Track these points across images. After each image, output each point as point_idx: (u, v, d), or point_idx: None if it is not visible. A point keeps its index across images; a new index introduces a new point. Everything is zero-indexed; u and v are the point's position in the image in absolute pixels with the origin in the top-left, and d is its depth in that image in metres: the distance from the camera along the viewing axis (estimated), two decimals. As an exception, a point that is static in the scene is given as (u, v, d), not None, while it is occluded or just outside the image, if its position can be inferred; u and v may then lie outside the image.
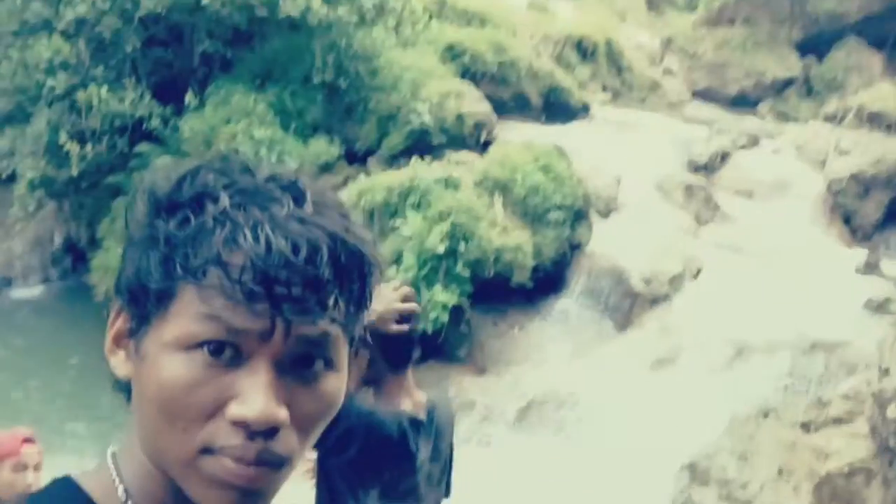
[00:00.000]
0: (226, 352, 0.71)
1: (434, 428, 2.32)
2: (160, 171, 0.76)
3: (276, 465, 0.72)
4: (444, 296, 7.65)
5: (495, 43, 11.11)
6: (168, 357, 0.71)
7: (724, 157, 10.69)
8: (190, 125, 9.41)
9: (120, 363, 0.76)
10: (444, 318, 7.66)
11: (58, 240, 10.76)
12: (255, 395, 0.70)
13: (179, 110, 9.77)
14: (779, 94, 13.53)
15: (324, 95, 9.80)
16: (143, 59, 10.20)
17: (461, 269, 7.83)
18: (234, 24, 10.13)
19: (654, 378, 7.64)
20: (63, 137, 9.62)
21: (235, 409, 0.70)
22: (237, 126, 9.21)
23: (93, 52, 9.96)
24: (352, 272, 0.74)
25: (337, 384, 0.76)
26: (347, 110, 9.90)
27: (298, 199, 0.74)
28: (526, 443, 7.26)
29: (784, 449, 6.35)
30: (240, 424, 0.70)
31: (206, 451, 0.71)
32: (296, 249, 0.70)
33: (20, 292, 10.69)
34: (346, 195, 8.61)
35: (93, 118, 9.68)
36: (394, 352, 2.25)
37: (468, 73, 10.69)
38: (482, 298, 8.11)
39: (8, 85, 10.20)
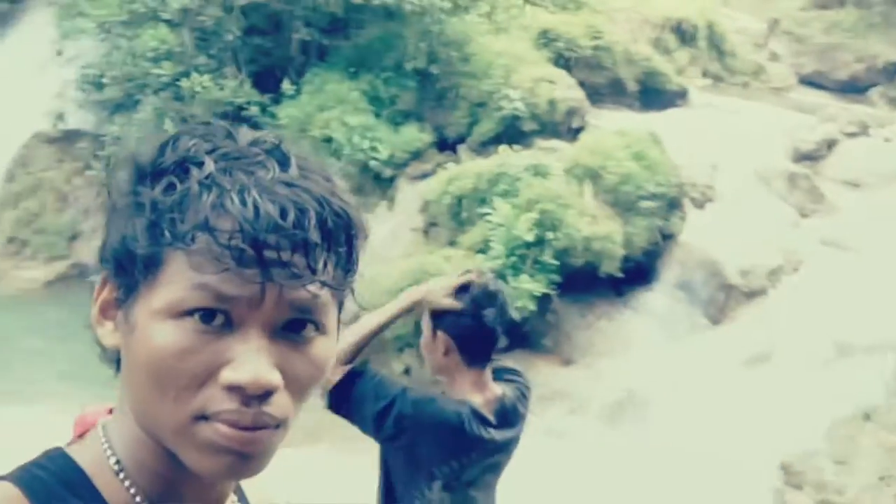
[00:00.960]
0: (216, 318, 0.71)
1: (504, 421, 2.31)
2: (140, 139, 0.76)
3: (271, 428, 0.72)
4: (530, 284, 7.59)
5: (590, 27, 10.90)
6: (158, 325, 0.71)
7: (831, 145, 10.18)
8: (286, 112, 9.63)
9: (107, 333, 0.77)
10: (531, 306, 7.61)
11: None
12: (247, 360, 0.70)
13: (276, 98, 10.01)
14: (891, 80, 12.78)
15: (416, 82, 9.85)
16: (243, 48, 10.48)
17: (549, 257, 7.75)
18: (330, 13, 10.30)
19: (749, 375, 7.39)
20: (167, 124, 10.01)
21: (229, 375, 0.70)
22: (331, 113, 9.38)
23: (196, 41, 10.32)
24: (339, 235, 0.74)
25: (327, 348, 0.77)
26: (439, 97, 9.92)
27: (283, 162, 0.74)
28: (612, 437, 7.15)
29: (885, 453, 6.05)
30: (233, 389, 0.70)
31: (200, 417, 0.71)
32: (283, 213, 0.70)
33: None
34: (435, 182, 8.65)
35: (195, 105, 10.03)
36: (470, 345, 2.25)
37: (562, 59, 10.53)
38: (570, 288, 8.01)
39: (118, 73, 10.68)
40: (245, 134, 0.76)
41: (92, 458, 0.77)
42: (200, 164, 0.72)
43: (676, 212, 8.54)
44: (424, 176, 9.13)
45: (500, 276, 7.63)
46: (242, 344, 0.71)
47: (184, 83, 9.94)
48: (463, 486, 2.22)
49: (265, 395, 0.71)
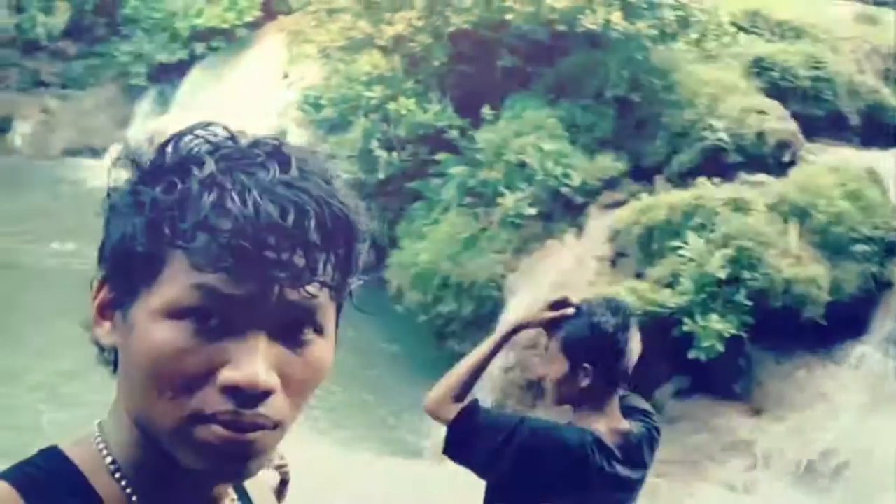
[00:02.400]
0: (214, 318, 0.70)
1: (628, 458, 2.19)
2: (138, 139, 0.77)
3: (269, 430, 0.72)
4: (720, 325, 7.18)
5: (810, 56, 10.20)
6: (156, 325, 0.70)
7: None
8: (484, 137, 9.83)
9: (105, 333, 0.76)
10: (719, 347, 7.19)
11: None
12: (246, 362, 0.69)
13: (476, 122, 10.25)
14: None
15: (615, 110, 9.70)
16: (449, 74, 10.85)
17: (742, 297, 7.30)
18: (535, 40, 10.42)
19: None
20: (374, 144, 10.56)
21: (227, 375, 0.69)
22: (527, 139, 9.44)
23: (405, 66, 10.82)
24: (338, 237, 0.73)
25: (326, 350, 0.76)
26: (638, 125, 9.70)
27: (283, 163, 0.73)
28: (799, 498, 6.57)
29: None
30: (230, 390, 0.69)
31: (198, 418, 0.70)
32: (284, 214, 0.70)
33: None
34: (627, 212, 8.44)
35: (401, 128, 10.51)
36: (592, 360, 2.16)
37: (776, 89, 9.93)
38: (765, 333, 7.48)
39: (335, 95, 11.43)
40: (245, 135, 0.76)
41: (87, 457, 0.77)
42: (201, 164, 0.72)
43: (894, 258, 7.74)
44: (616, 205, 8.93)
45: (688, 313, 7.30)
46: (240, 345, 0.70)
47: (391, 106, 10.44)
48: None
49: (262, 396, 0.70)
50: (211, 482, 0.80)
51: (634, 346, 2.21)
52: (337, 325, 0.79)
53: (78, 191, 14.50)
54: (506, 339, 2.26)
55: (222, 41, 15.59)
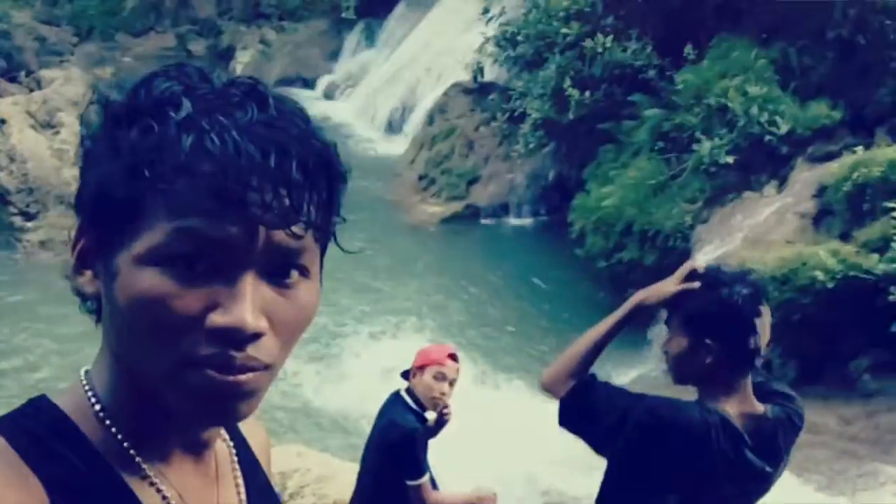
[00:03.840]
0: (200, 263, 0.69)
1: (760, 445, 1.97)
2: (109, 82, 0.75)
3: (260, 371, 0.71)
4: (935, 298, 6.43)
5: None
6: (141, 272, 0.69)
7: None
8: (684, 78, 9.28)
9: (87, 282, 0.75)
10: (931, 324, 6.46)
11: (551, 178, 11.67)
12: (234, 305, 0.69)
13: (677, 63, 9.70)
14: None
15: (836, 53, 8.80)
16: (653, 11, 10.30)
17: (964, 270, 6.48)
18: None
19: None
20: (567, 83, 10.31)
21: (215, 319, 0.69)
22: (731, 81, 8.81)
23: (605, 2, 10.38)
24: (320, 176, 0.72)
25: (313, 293, 0.75)
26: (861, 71, 8.74)
27: (261, 103, 0.71)
28: None
29: None
30: (220, 334, 0.69)
31: (188, 362, 0.70)
32: (265, 154, 0.68)
33: (515, 220, 11.90)
34: (838, 167, 7.70)
35: (596, 66, 10.16)
36: (722, 336, 1.96)
37: None
38: None
39: (531, 32, 11.22)
40: (220, 75, 0.74)
41: (76, 405, 0.76)
42: (178, 106, 0.69)
43: None
44: (827, 157, 8.17)
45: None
46: (227, 288, 0.69)
47: (588, 43, 10.10)
48: None
49: (252, 338, 0.70)
50: (202, 425, 0.80)
51: (765, 323, 1.97)
52: (321, 268, 0.78)
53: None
54: (630, 315, 2.05)
55: (428, -25, 15.73)
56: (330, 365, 7.86)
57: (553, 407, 2.09)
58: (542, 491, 5.63)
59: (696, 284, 1.99)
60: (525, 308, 9.51)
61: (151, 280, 0.69)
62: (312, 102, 16.38)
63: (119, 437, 0.76)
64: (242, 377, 0.70)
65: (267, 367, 0.72)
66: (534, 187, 11.74)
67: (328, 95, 16.71)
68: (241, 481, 0.88)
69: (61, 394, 0.78)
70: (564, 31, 10.42)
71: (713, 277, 2.00)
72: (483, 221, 11.70)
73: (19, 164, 11.13)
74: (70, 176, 10.90)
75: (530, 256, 10.87)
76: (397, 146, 13.70)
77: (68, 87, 13.06)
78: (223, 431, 0.89)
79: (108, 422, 0.76)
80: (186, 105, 0.69)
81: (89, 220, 0.74)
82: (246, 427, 0.93)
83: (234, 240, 0.68)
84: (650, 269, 8.69)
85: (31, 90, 13.65)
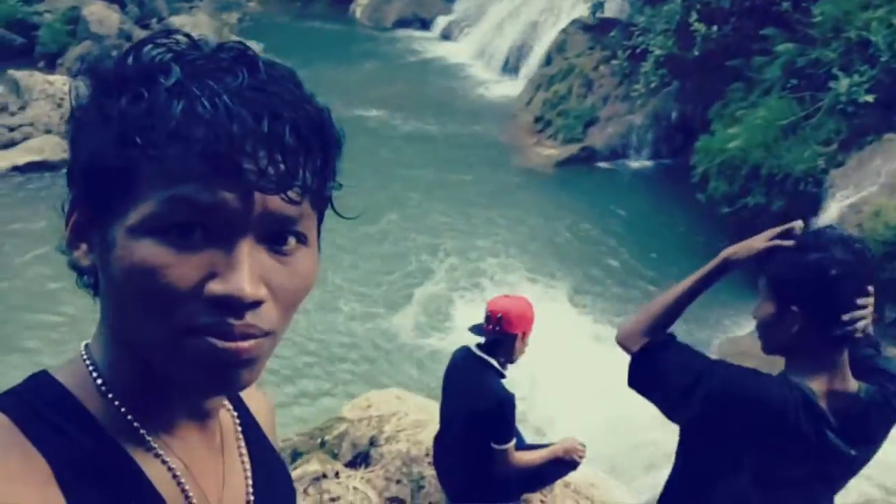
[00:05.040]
0: (196, 232, 0.68)
1: (848, 427, 1.78)
2: (95, 51, 0.72)
3: (260, 337, 0.71)
4: None
5: None
6: (136, 243, 0.68)
7: None
8: (822, 9, 8.57)
9: (82, 255, 0.75)
10: None
11: (673, 118, 11.15)
12: (232, 273, 0.68)
13: (817, -8, 8.97)
14: None
15: None
16: (789, -65, 9.52)
17: None
18: None
19: None
20: (693, 17, 9.74)
21: (213, 288, 0.68)
22: (875, 13, 8.06)
23: (737, -72, 9.68)
24: (314, 141, 0.70)
25: (311, 260, 0.74)
26: None
27: (251, 68, 0.70)
28: None
29: None
30: (219, 302, 0.68)
31: (188, 331, 0.69)
32: (258, 118, 0.67)
33: (634, 163, 11.51)
34: None
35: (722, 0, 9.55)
36: (813, 303, 1.75)
37: None
38: None
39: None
40: (209, 41, 0.73)
41: (76, 379, 0.77)
42: (167, 72, 0.68)
43: None
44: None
45: None
46: (224, 256, 0.68)
47: (717, -27, 9.48)
48: (778, 484, 1.77)
49: (251, 306, 0.69)
50: (205, 394, 0.80)
51: (863, 292, 1.75)
52: (319, 235, 0.77)
53: (407, 61, 15.39)
54: (717, 272, 1.87)
55: None
56: (438, 307, 7.91)
57: None
58: (635, 443, 5.49)
59: (788, 243, 1.80)
60: (640, 254, 9.22)
61: (147, 250, 0.68)
62: (429, 43, 16.29)
63: (122, 409, 0.76)
64: (244, 344, 0.69)
65: (267, 334, 0.71)
66: (655, 128, 11.27)
67: (445, 36, 16.56)
68: (245, 450, 0.88)
69: (62, 369, 0.78)
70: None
71: (807, 239, 1.79)
72: (600, 165, 11.38)
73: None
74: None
75: (649, 201, 10.50)
76: (513, 87, 13.45)
77: (196, 32, 13.52)
78: (226, 401, 0.88)
79: (110, 395, 0.76)
80: (176, 71, 0.68)
81: (81, 192, 0.73)
82: (248, 395, 0.92)
83: (230, 206, 0.67)
84: (777, 215, 8.20)
85: (163, 37, 14.20)
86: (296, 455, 3.64)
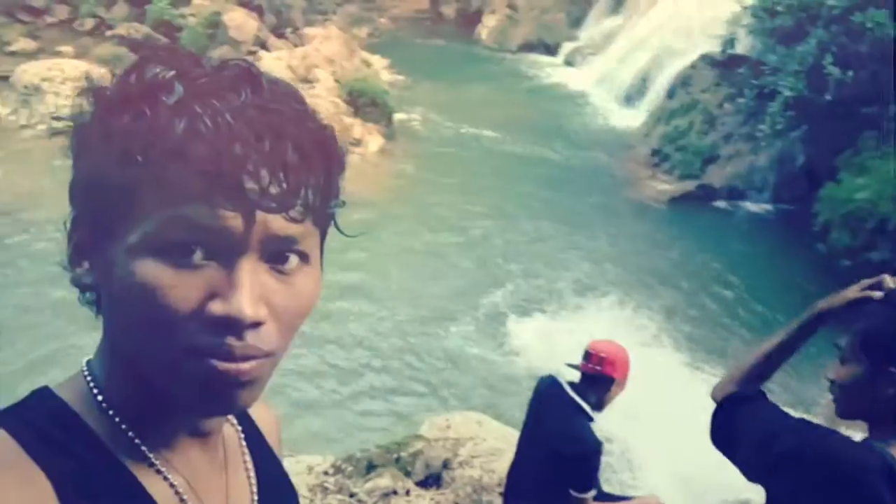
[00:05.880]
0: (197, 251, 0.67)
1: None
2: (95, 74, 0.72)
3: (261, 359, 0.70)
4: None
5: None
6: (137, 262, 0.67)
7: None
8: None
9: (84, 274, 0.74)
10: None
11: (798, 163, 10.71)
12: (232, 293, 0.67)
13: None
14: None
15: None
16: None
17: None
18: None
19: None
20: (828, 60, 9.35)
21: (215, 308, 0.67)
22: None
23: (883, -29, 9.25)
24: (317, 159, 0.69)
25: (313, 279, 0.73)
26: None
27: (254, 86, 0.69)
28: None
29: None
30: (221, 323, 0.67)
31: (189, 352, 0.68)
32: (259, 137, 0.66)
33: (753, 205, 11.11)
34: None
35: (863, 43, 9.12)
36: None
37: None
38: None
39: (793, 2, 10.29)
40: (211, 59, 0.71)
41: (78, 396, 0.76)
42: (170, 90, 0.67)
43: None
44: None
45: None
46: (225, 276, 0.67)
47: (857, 17, 9.07)
48: None
49: (251, 326, 0.68)
50: (205, 414, 0.79)
51: None
52: (322, 254, 0.75)
53: (528, 85, 15.42)
54: (810, 324, 1.77)
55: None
56: (539, 332, 7.85)
57: None
58: (722, 500, 5.26)
59: (878, 294, 1.68)
60: (748, 301, 8.88)
61: (147, 270, 0.67)
62: (551, 68, 16.27)
63: (123, 426, 0.75)
64: (244, 365, 0.69)
65: (268, 355, 0.70)
66: (778, 171, 10.87)
67: (569, 62, 16.50)
68: (250, 464, 0.87)
69: (63, 385, 0.78)
70: (831, 2, 9.43)
71: None
72: (716, 204, 11.04)
73: (275, 115, 12.10)
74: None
75: (764, 246, 10.11)
76: (633, 118, 13.26)
77: (326, 44, 13.97)
78: (231, 416, 0.88)
79: (111, 412, 0.75)
80: (178, 89, 0.67)
81: (83, 210, 0.73)
82: (254, 410, 0.91)
83: (231, 226, 0.66)
84: (902, 274, 7.75)
85: (295, 46, 14.74)
86: (370, 467, 3.68)
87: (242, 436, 0.88)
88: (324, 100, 12.22)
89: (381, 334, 7.66)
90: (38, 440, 0.71)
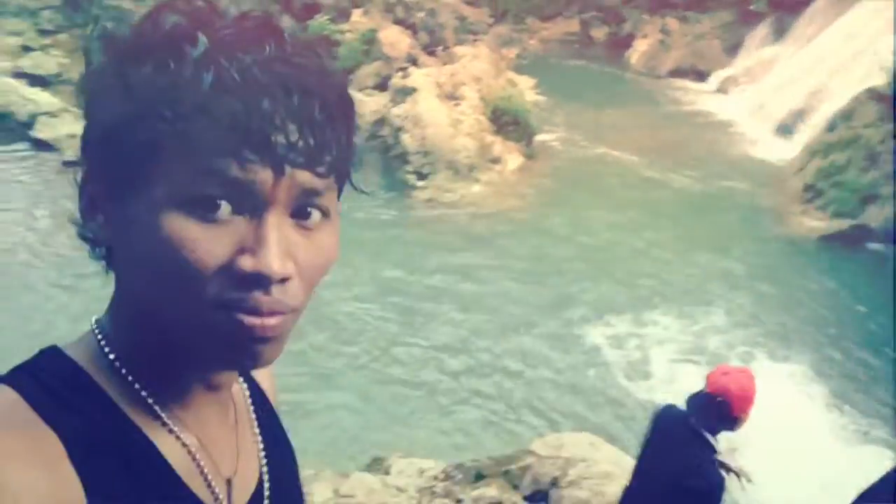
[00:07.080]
0: (224, 206, 0.66)
1: None
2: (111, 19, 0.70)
3: (286, 314, 0.70)
4: None
5: None
6: (163, 217, 0.66)
7: None
8: None
9: (98, 228, 0.72)
10: None
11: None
12: (261, 249, 0.67)
13: None
14: None
15: None
16: None
17: None
18: None
19: None
20: None
21: (244, 263, 0.67)
22: None
23: None
24: (340, 115, 0.69)
25: (333, 234, 0.73)
26: None
27: (278, 38, 0.68)
28: None
29: None
30: (248, 278, 0.67)
31: (217, 306, 0.67)
32: (288, 92, 0.66)
33: (876, 245, 10.35)
34: None
35: None
36: None
37: None
38: None
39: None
40: (230, 8, 0.70)
41: (88, 355, 0.74)
42: (194, 42, 0.66)
43: None
44: None
45: None
46: (253, 230, 0.67)
47: None
48: None
49: (280, 282, 0.68)
50: (229, 368, 0.78)
51: None
52: (338, 212, 0.74)
53: (674, 110, 15.05)
54: None
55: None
56: (661, 362, 7.61)
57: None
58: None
59: None
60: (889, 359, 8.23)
61: (173, 224, 0.66)
62: (701, 96, 15.80)
63: (135, 385, 0.74)
64: (270, 321, 0.68)
65: (293, 310, 0.70)
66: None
67: (721, 90, 15.98)
68: (255, 423, 0.87)
69: (72, 344, 0.76)
70: None
71: None
72: (870, 246, 10.33)
73: (421, 129, 12.39)
74: (460, 145, 11.89)
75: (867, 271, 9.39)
76: (785, 150, 12.65)
77: (474, 63, 14.21)
78: (237, 375, 0.87)
79: (123, 370, 0.74)
80: (203, 41, 0.66)
81: (99, 163, 0.71)
82: (255, 370, 0.91)
83: (259, 180, 0.66)
84: None
85: (445, 64, 15.06)
86: (478, 477, 3.67)
87: (248, 393, 0.88)
88: (468, 117, 12.41)
89: (504, 353, 7.64)
90: (48, 400, 0.70)
